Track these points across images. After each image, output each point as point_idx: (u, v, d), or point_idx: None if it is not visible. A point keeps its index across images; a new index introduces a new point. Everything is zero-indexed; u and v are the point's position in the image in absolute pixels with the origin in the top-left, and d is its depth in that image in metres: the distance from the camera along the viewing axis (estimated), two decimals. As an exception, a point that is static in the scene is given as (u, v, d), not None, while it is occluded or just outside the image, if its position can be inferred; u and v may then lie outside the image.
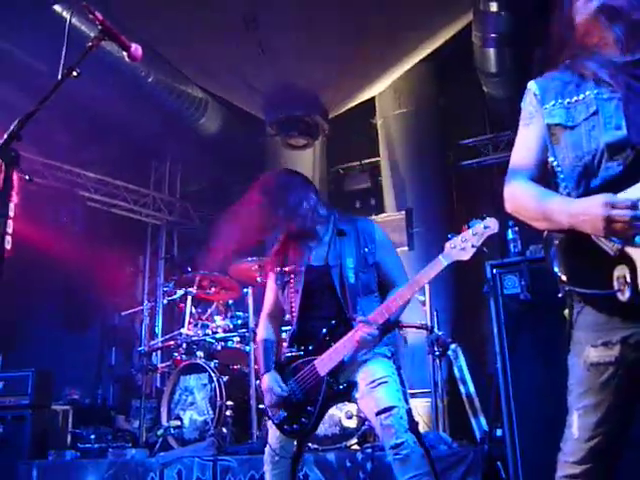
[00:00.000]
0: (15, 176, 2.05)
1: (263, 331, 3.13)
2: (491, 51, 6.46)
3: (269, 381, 2.90)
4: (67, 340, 8.46)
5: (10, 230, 1.93)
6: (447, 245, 2.67)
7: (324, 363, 2.79)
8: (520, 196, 1.92)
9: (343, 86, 7.51)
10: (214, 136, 8.27)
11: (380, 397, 2.68)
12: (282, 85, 7.12)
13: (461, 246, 2.63)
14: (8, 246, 1.91)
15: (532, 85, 2.00)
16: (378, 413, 2.64)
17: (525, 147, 1.98)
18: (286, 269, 3.01)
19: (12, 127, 1.98)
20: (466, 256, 2.63)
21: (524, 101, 2.02)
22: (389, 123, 8.13)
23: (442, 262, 2.66)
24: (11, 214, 1.97)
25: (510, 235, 3.91)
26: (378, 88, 7.98)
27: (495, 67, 6.63)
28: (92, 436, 5.66)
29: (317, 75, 7.08)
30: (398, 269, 2.97)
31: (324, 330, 2.83)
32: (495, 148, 8.43)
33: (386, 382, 2.72)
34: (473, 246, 2.62)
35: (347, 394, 2.80)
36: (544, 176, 1.94)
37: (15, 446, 4.97)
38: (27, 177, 2.06)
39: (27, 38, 6.26)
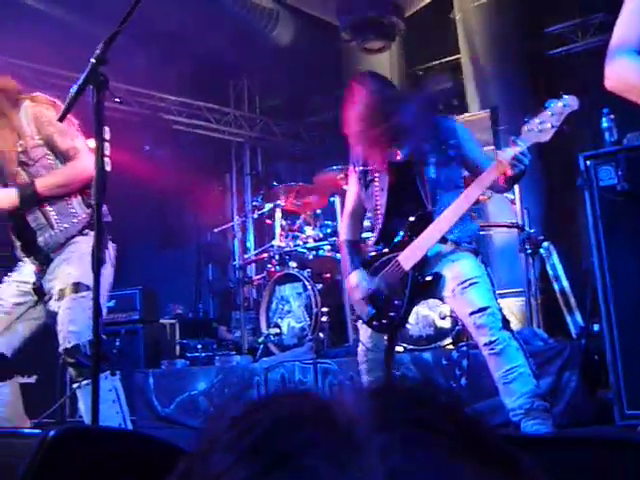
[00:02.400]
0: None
1: (346, 231, 3.15)
2: None
3: (356, 278, 2.95)
4: (165, 260, 8.89)
5: (108, 152, 2.02)
6: (524, 128, 2.58)
7: (407, 257, 2.80)
8: (628, 72, 1.78)
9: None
10: (288, 47, 8.16)
11: (472, 298, 2.68)
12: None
13: (539, 128, 2.54)
14: (108, 168, 2.02)
15: None
16: (471, 313, 2.66)
17: (633, 19, 1.83)
18: (369, 168, 3.00)
19: (97, 51, 2.04)
20: (545, 137, 2.54)
21: None
22: (468, 16, 7.73)
23: (519, 145, 2.58)
24: (107, 137, 2.06)
25: (605, 123, 3.72)
26: (455, -21, 7.56)
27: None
28: (199, 346, 6.03)
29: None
30: (484, 156, 2.92)
31: (406, 226, 2.84)
32: (584, 34, 7.88)
33: (477, 282, 2.71)
34: (552, 126, 2.53)
35: (433, 287, 2.81)
36: None
37: (131, 357, 5.37)
38: (117, 99, 2.13)
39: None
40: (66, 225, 2.85)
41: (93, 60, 2.02)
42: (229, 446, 0.37)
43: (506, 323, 2.67)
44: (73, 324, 2.70)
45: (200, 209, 9.14)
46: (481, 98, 7.56)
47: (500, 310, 2.69)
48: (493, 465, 0.37)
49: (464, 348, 4.09)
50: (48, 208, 2.84)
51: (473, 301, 2.68)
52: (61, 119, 2.32)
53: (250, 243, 8.72)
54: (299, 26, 8.16)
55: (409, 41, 8.13)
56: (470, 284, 2.71)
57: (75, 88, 2.09)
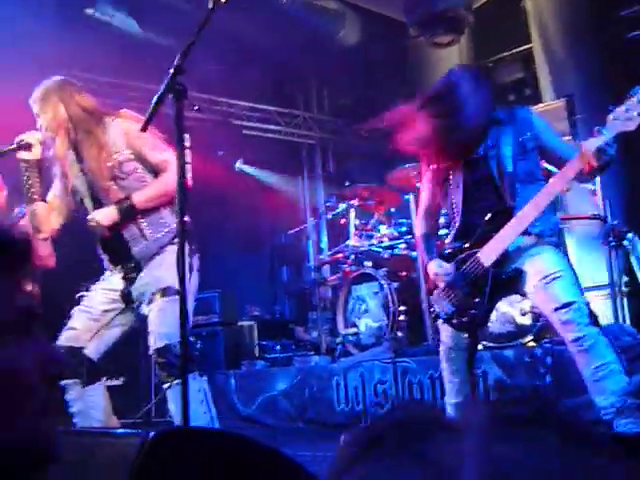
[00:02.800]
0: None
1: (421, 226, 3.12)
2: None
3: (434, 267, 2.91)
4: (241, 263, 9.04)
5: (189, 159, 2.08)
6: (609, 117, 2.49)
7: (487, 253, 2.75)
8: None
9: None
10: (355, 47, 8.15)
11: (557, 292, 2.60)
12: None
13: (625, 116, 2.44)
14: (189, 174, 2.08)
15: None
16: (556, 309, 2.58)
17: None
18: (444, 165, 2.95)
19: (176, 61, 2.10)
20: (632, 126, 2.45)
21: None
22: (540, 4, 7.51)
23: (604, 134, 2.49)
24: (187, 144, 2.12)
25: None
26: (525, -33, 7.38)
27: None
28: (277, 347, 6.11)
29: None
30: (565, 145, 2.84)
31: (485, 221, 2.78)
32: (665, 13, 7.53)
33: (561, 276, 2.63)
34: (639, 114, 2.43)
35: (514, 283, 2.75)
36: None
37: (212, 359, 5.50)
38: (195, 107, 2.19)
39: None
40: (158, 235, 2.96)
41: (172, 70, 2.08)
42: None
43: (594, 318, 2.58)
44: (164, 326, 2.79)
45: (274, 212, 9.26)
46: (555, 87, 7.34)
47: (587, 304, 2.60)
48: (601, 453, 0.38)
49: (548, 345, 3.98)
50: (140, 220, 2.95)
51: (557, 296, 2.59)
52: (143, 129, 2.40)
53: (324, 244, 8.76)
54: (365, 25, 8.14)
55: (478, 33, 7.98)
56: (553, 278, 2.63)
57: (155, 98, 2.16)
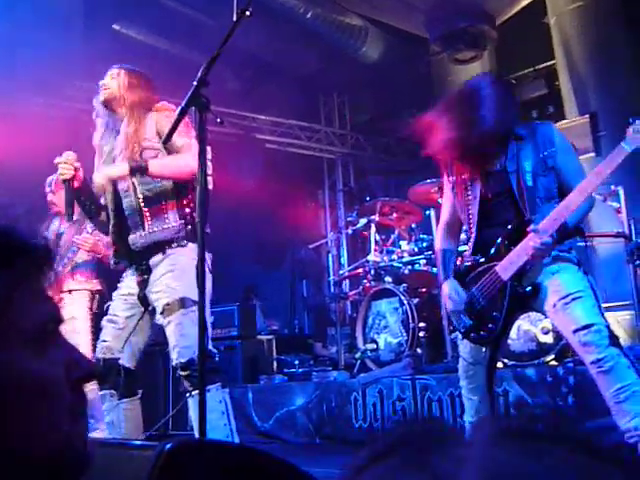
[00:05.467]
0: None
1: (441, 241, 3.09)
2: None
3: (448, 288, 2.88)
4: (261, 276, 9.06)
5: (210, 171, 2.09)
6: (629, 130, 2.46)
7: (505, 268, 2.71)
8: None
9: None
10: (377, 63, 8.19)
11: (576, 314, 2.54)
12: (443, -3, 6.82)
13: None
14: (210, 186, 2.09)
15: None
16: (575, 331, 2.54)
17: None
18: (462, 177, 2.93)
19: (199, 74, 2.12)
20: None
21: None
22: (563, 20, 7.48)
23: (624, 149, 2.46)
24: (209, 156, 2.13)
25: None
26: (548, -17, 7.36)
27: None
28: (295, 362, 6.08)
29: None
30: (578, 174, 2.78)
31: (503, 235, 2.75)
32: (690, 31, 7.46)
33: (581, 297, 2.57)
34: None
35: (533, 298, 2.70)
36: None
37: (229, 373, 5.48)
38: (218, 120, 2.20)
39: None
40: (155, 229, 2.97)
41: (195, 83, 2.10)
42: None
43: (614, 339, 2.52)
44: (185, 339, 2.79)
45: (295, 226, 9.28)
46: (579, 104, 7.29)
47: (607, 326, 2.54)
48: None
49: (570, 364, 3.91)
50: (144, 209, 2.98)
51: (577, 318, 2.54)
52: (165, 142, 2.42)
53: (344, 259, 8.75)
54: (388, 41, 8.18)
55: (501, 49, 7.97)
56: (573, 299, 2.58)
57: (179, 110, 2.18)
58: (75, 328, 4.44)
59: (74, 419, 0.68)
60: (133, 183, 2.99)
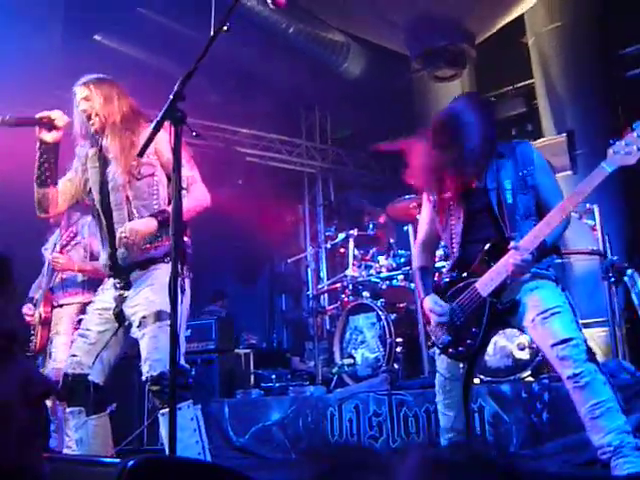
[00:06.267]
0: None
1: (418, 258, 3.11)
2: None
3: (429, 303, 2.89)
4: (239, 290, 9.02)
5: (185, 185, 2.08)
6: (609, 151, 2.51)
7: (485, 284, 2.73)
8: None
9: (488, 6, 7.10)
10: (359, 79, 8.24)
11: (555, 329, 2.57)
12: (423, 15, 6.88)
13: (625, 150, 2.47)
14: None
15: None
16: (554, 345, 2.56)
17: None
18: (444, 196, 2.95)
19: (175, 87, 2.12)
20: (632, 160, 2.47)
21: None
22: (542, 40, 7.60)
23: (605, 169, 2.50)
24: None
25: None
26: (527, 3, 7.47)
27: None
28: (273, 376, 6.05)
29: (459, -2, 6.76)
30: (555, 193, 2.83)
31: (483, 252, 2.78)
32: (665, 53, 7.63)
33: (559, 312, 2.60)
34: (639, 149, 2.45)
35: (511, 315, 2.72)
36: None
37: (206, 386, 5.44)
38: (194, 133, 2.19)
39: (176, 6, 6.55)
40: (147, 246, 2.92)
41: (171, 96, 2.10)
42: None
43: (592, 355, 2.54)
44: (158, 352, 2.75)
45: (274, 240, 9.26)
46: (556, 122, 7.39)
47: (585, 341, 2.57)
48: None
49: (545, 381, 3.93)
50: None
51: (555, 332, 2.57)
52: (140, 154, 2.40)
53: (323, 273, 8.75)
54: (369, 57, 8.24)
55: (480, 67, 8.07)
56: (551, 314, 2.61)
57: (154, 123, 2.17)
58: (55, 344, 4.44)
59: (26, 440, 0.66)
60: (127, 196, 2.94)
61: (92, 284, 4.41)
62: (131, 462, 0.95)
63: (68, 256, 4.37)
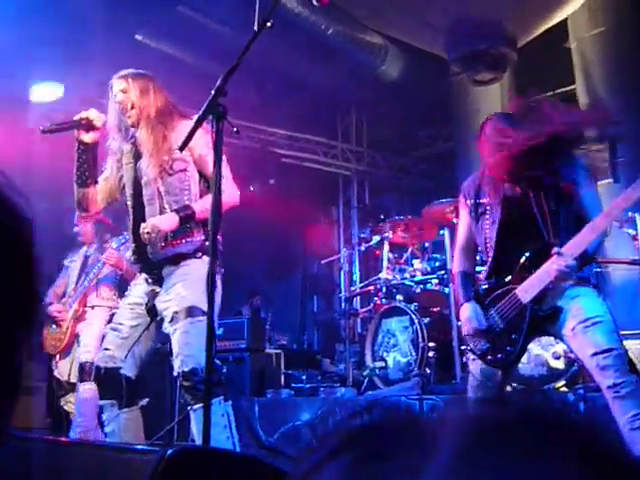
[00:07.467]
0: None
1: (459, 263, 3.09)
2: None
3: (468, 311, 2.86)
4: (271, 290, 9.03)
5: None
6: None
7: (526, 290, 2.71)
8: None
9: (530, 10, 7.01)
10: (396, 82, 8.20)
11: (597, 338, 2.56)
12: (463, 18, 6.82)
13: None
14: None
15: None
16: (594, 354, 2.53)
17: None
18: (481, 201, 2.93)
19: (218, 83, 2.13)
20: None
21: None
22: (584, 45, 7.47)
23: None
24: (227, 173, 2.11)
25: None
26: (570, 7, 7.35)
27: None
28: (303, 377, 6.05)
29: (501, 0, 6.68)
30: (596, 202, 2.79)
31: (523, 259, 2.74)
32: None
33: (601, 322, 2.59)
34: None
35: (552, 322, 2.70)
36: None
37: (237, 385, 5.46)
38: (235, 129, 2.20)
39: (217, 6, 6.60)
40: (176, 242, 2.94)
41: (213, 91, 2.11)
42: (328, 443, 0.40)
43: (633, 366, 2.52)
44: (189, 348, 2.76)
45: (308, 241, 9.26)
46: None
47: (626, 352, 2.54)
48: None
49: (581, 391, 3.86)
50: None
51: (597, 341, 2.55)
52: (182, 148, 2.42)
53: (356, 275, 8.72)
54: (407, 60, 8.19)
55: (521, 71, 7.96)
56: (593, 323, 2.59)
57: (196, 117, 2.18)
58: (85, 333, 4.56)
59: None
60: (159, 191, 2.96)
61: (124, 290, 4.54)
62: (170, 450, 0.95)
63: (120, 255, 4.52)
